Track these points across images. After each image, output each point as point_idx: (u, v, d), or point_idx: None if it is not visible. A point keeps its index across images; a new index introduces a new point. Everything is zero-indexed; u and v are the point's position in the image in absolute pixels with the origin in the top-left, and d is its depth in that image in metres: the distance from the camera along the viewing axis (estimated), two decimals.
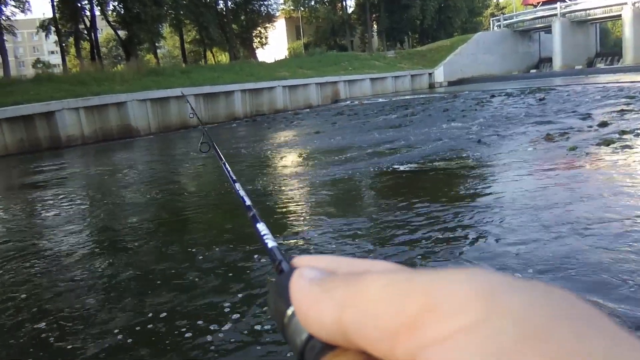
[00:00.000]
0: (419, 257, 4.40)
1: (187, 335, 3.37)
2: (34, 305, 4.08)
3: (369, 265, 0.29)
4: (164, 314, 3.69)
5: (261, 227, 0.47)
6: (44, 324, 3.71)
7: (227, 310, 3.68)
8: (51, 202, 8.67)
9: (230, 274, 4.36)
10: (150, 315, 3.69)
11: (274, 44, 54.06)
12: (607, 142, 8.62)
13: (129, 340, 3.36)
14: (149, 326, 3.53)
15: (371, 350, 0.22)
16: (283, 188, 8.11)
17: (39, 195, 9.45)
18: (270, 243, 0.42)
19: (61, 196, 9.10)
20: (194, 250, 5.13)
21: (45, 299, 4.20)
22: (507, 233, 4.76)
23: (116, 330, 3.50)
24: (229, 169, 1.03)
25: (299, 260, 0.32)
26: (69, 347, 3.35)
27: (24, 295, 4.31)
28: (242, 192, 0.73)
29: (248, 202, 0.66)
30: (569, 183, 6.45)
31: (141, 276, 4.55)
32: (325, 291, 0.25)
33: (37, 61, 57.54)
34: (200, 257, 4.85)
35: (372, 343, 0.22)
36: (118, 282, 4.45)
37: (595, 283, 3.56)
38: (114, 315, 3.76)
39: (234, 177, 0.90)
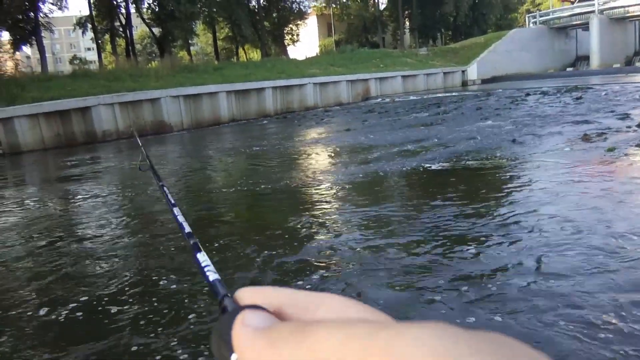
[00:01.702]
0: (445, 262, 4.32)
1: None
2: (62, 290, 4.16)
3: (317, 301, 0.28)
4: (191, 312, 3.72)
5: (202, 257, 0.42)
6: (69, 307, 3.79)
7: None
8: (85, 195, 8.84)
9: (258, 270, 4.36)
10: (171, 310, 3.72)
11: (305, 41, 54.12)
12: None
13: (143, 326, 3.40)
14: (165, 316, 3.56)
15: None
16: (313, 185, 8.10)
17: (73, 188, 9.65)
18: (212, 275, 0.38)
19: (95, 189, 9.27)
20: (221, 244, 5.16)
21: (73, 287, 4.28)
22: (541, 238, 4.64)
23: (130, 314, 3.54)
24: (168, 191, 0.94)
25: (242, 294, 0.31)
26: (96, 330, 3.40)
27: (53, 279, 4.41)
28: (181, 218, 0.67)
29: (187, 229, 0.61)
30: (608, 185, 6.27)
31: (166, 270, 4.59)
32: (271, 344, 0.24)
33: (74, 57, 58.86)
34: (227, 254, 4.87)
35: None
36: (142, 274, 4.50)
37: (635, 290, 3.45)
38: (133, 305, 3.80)
39: (173, 201, 0.82)
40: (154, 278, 4.46)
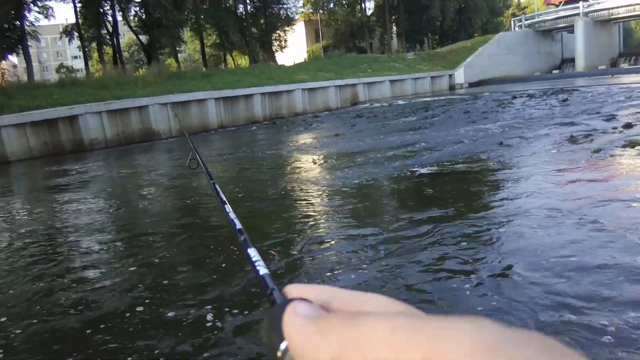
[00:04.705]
0: (435, 271, 4.34)
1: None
2: (52, 303, 4.12)
3: (363, 299, 0.28)
4: (186, 318, 3.70)
5: (252, 252, 0.44)
6: (61, 319, 3.75)
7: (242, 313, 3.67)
8: (72, 204, 8.77)
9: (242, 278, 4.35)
10: (163, 318, 3.70)
11: (293, 47, 54.21)
12: (633, 144, 8.44)
13: (142, 335, 3.38)
14: (159, 328, 3.54)
15: None
16: (300, 192, 8.10)
17: (60, 198, 9.57)
18: (262, 270, 0.40)
19: (82, 199, 9.20)
20: (207, 252, 5.15)
21: (63, 299, 4.24)
22: (530, 242, 4.67)
23: (130, 329, 3.52)
24: (219, 189, 0.96)
25: (291, 289, 0.32)
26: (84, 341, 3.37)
27: (41, 293, 4.37)
28: (232, 215, 0.69)
29: (239, 225, 0.62)
30: (594, 187, 6.33)
31: (156, 279, 4.56)
32: (321, 331, 0.25)
33: (61, 66, 58.37)
34: (210, 259, 4.85)
35: None
36: (132, 284, 4.47)
37: (625, 296, 3.47)
38: (128, 315, 3.78)
39: (224, 199, 0.84)
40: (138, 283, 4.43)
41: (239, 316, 3.67)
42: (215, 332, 3.47)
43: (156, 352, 3.27)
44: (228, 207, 0.76)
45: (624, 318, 3.07)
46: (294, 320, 0.27)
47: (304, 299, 0.29)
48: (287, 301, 0.29)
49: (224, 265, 4.75)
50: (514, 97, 21.96)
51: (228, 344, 3.31)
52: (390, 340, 0.22)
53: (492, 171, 8.02)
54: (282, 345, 0.27)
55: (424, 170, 8.52)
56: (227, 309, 3.80)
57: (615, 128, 10.50)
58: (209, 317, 3.70)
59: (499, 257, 4.31)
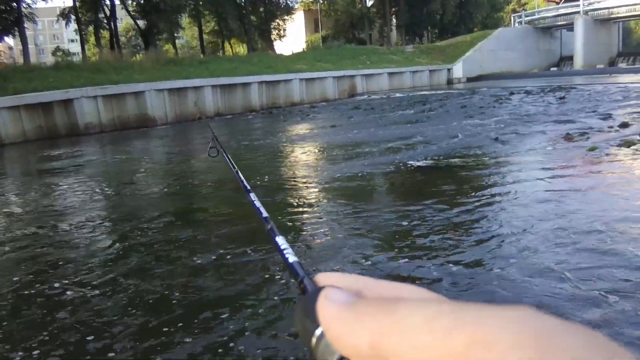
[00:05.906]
0: (432, 263, 4.34)
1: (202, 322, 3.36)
2: (43, 290, 4.11)
3: (397, 289, 0.28)
4: (177, 301, 3.69)
5: (280, 240, 0.43)
6: (50, 307, 3.74)
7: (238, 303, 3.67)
8: (65, 188, 8.74)
9: (241, 265, 4.34)
10: (155, 304, 3.69)
11: (292, 36, 53.89)
12: (628, 144, 8.45)
13: (134, 329, 3.37)
14: (151, 315, 3.53)
15: None
16: (296, 183, 8.08)
17: (54, 181, 9.52)
18: (291, 258, 0.39)
19: (76, 183, 9.16)
20: (201, 237, 5.13)
21: (53, 285, 4.22)
22: (522, 237, 4.68)
23: (123, 319, 3.51)
24: (242, 177, 0.93)
25: (322, 277, 0.31)
26: (76, 331, 3.36)
27: (31, 277, 4.35)
28: (258, 203, 0.66)
29: (265, 213, 0.60)
30: (588, 184, 6.33)
31: (149, 266, 4.55)
32: (358, 316, 0.25)
33: (57, 49, 58.13)
34: (208, 246, 4.84)
35: None
36: (125, 272, 4.45)
37: (616, 289, 3.48)
38: (121, 303, 3.76)
39: (248, 187, 0.81)
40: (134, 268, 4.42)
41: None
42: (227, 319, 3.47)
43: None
44: (253, 195, 0.73)
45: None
46: (329, 306, 0.27)
47: (336, 287, 0.29)
48: (320, 288, 0.29)
49: (212, 248, 4.75)
50: (512, 93, 21.95)
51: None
52: (432, 326, 0.21)
53: (486, 167, 8.01)
54: (318, 332, 0.27)
55: (419, 164, 8.51)
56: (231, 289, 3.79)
57: (612, 127, 10.52)
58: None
59: (488, 249, 4.31)
